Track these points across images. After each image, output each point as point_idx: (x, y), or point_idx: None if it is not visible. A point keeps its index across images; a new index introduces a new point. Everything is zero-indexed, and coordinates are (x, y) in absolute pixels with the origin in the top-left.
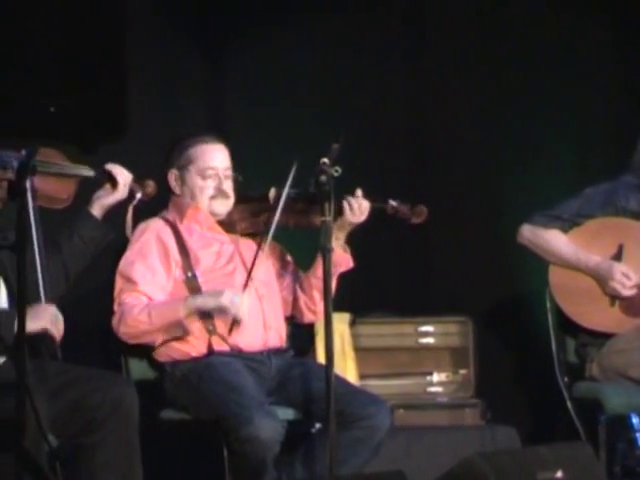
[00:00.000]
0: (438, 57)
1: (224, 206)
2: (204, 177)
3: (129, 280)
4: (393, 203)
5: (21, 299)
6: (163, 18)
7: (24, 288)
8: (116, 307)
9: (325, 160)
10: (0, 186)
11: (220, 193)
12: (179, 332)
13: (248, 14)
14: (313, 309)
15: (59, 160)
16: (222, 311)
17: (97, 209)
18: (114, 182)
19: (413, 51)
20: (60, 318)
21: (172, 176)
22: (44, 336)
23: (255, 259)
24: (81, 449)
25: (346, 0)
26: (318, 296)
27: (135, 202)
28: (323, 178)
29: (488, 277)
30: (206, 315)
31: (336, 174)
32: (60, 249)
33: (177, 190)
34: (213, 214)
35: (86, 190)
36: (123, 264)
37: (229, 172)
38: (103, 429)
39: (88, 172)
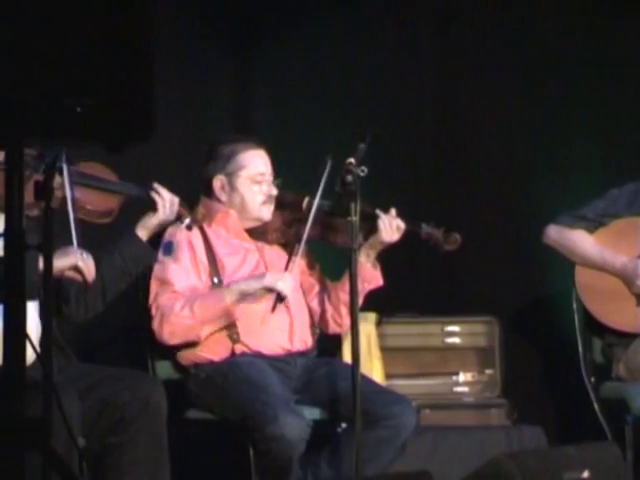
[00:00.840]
0: (466, 60)
1: (270, 212)
2: (255, 182)
3: (164, 282)
4: (427, 229)
5: (47, 299)
6: (190, 17)
7: (51, 288)
8: (154, 311)
9: (351, 160)
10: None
11: (269, 199)
12: (224, 321)
13: (276, 13)
14: (339, 322)
15: (106, 176)
16: (266, 291)
17: (141, 229)
18: (155, 203)
19: (442, 51)
20: (90, 259)
21: (218, 183)
22: (72, 281)
23: (293, 249)
24: (109, 448)
25: (375, 2)
26: (345, 310)
27: (183, 227)
28: (349, 178)
29: (514, 277)
30: (231, 323)
31: (362, 174)
32: (100, 268)
33: (223, 197)
34: (260, 220)
35: (136, 210)
36: (157, 268)
37: (272, 177)
38: (131, 428)
39: (132, 190)
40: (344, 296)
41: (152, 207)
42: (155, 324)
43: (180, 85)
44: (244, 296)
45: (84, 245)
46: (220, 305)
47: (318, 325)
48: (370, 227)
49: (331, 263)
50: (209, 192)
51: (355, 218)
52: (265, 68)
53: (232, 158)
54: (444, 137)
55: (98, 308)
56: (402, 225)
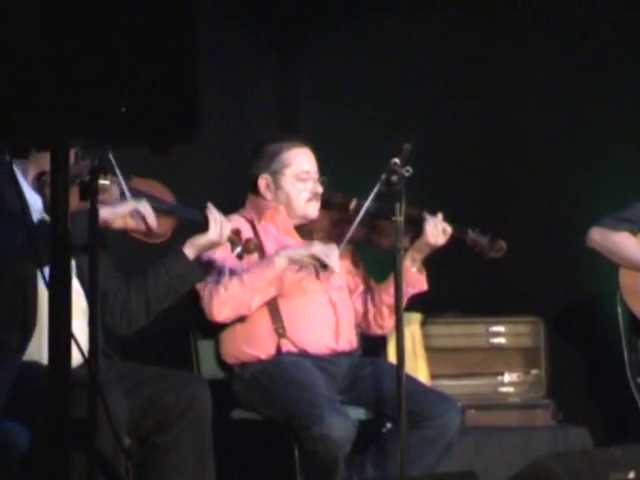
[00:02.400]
0: (510, 62)
1: (316, 210)
2: (300, 180)
3: (211, 265)
4: (473, 235)
5: (93, 299)
6: (235, 18)
7: (96, 289)
8: (201, 289)
9: (396, 160)
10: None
11: (315, 196)
12: (274, 291)
13: (320, 15)
14: (381, 324)
15: (164, 196)
16: (313, 259)
17: (190, 248)
18: (209, 223)
19: (487, 53)
20: (146, 202)
21: (264, 181)
22: (136, 231)
23: (350, 227)
24: (154, 448)
25: (420, 1)
26: (387, 312)
27: (234, 255)
28: (394, 178)
29: (559, 277)
30: (276, 317)
31: (407, 174)
32: (146, 281)
33: (268, 195)
34: (306, 217)
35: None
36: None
37: (317, 175)
38: (176, 428)
39: (187, 214)
40: (387, 298)
41: (204, 227)
42: (204, 301)
43: (225, 85)
44: (293, 262)
45: (132, 263)
46: (270, 270)
47: (359, 325)
48: (416, 231)
49: (376, 265)
50: (256, 190)
51: (400, 218)
52: (310, 68)
53: (276, 157)
54: (489, 139)
55: (142, 322)
56: (448, 229)
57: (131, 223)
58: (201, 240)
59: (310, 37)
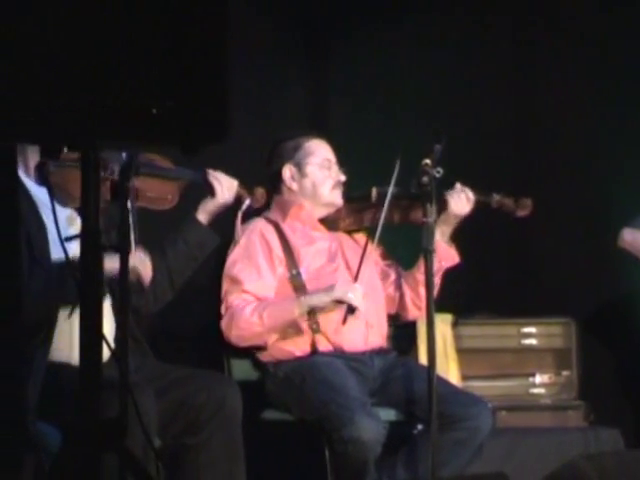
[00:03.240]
0: (545, 54)
1: (341, 197)
2: (324, 168)
3: (235, 281)
4: (497, 197)
5: (124, 299)
6: (266, 18)
7: (127, 289)
8: (224, 310)
9: (427, 161)
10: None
11: (339, 184)
12: (292, 332)
13: (351, 14)
14: (419, 305)
15: (163, 163)
16: (337, 304)
17: (202, 214)
18: (213, 187)
19: (519, 49)
20: (147, 259)
21: (287, 171)
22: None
23: (365, 252)
24: (185, 449)
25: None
26: (424, 292)
27: (244, 208)
28: (425, 179)
29: (591, 278)
30: (310, 313)
31: (438, 175)
32: (165, 254)
33: (293, 186)
34: (332, 205)
35: (195, 197)
36: (228, 265)
37: (337, 166)
38: (207, 429)
39: (189, 175)
40: (422, 277)
41: (210, 192)
42: (224, 324)
43: (254, 85)
44: (314, 309)
45: (144, 236)
46: (288, 317)
47: (397, 312)
48: (441, 205)
49: (407, 248)
50: (278, 188)
51: (431, 219)
52: (339, 67)
53: (298, 148)
54: (520, 138)
55: (167, 297)
56: (472, 196)
57: None
58: (211, 204)
59: (339, 36)
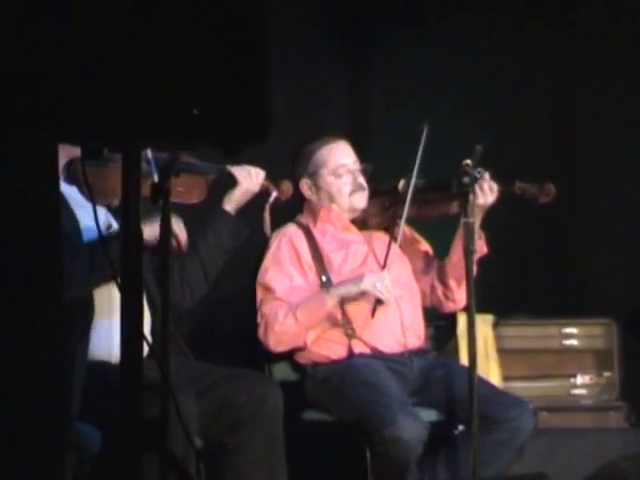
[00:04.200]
0: (584, 53)
1: (363, 199)
2: (338, 176)
3: (267, 289)
4: (520, 184)
5: (165, 302)
6: (307, 21)
7: (168, 292)
8: (259, 319)
9: (468, 162)
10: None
11: (357, 187)
12: (328, 325)
13: (391, 15)
14: (452, 297)
15: (189, 158)
16: (365, 295)
17: (228, 204)
18: (238, 177)
19: (559, 49)
20: (180, 222)
21: (305, 185)
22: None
23: (390, 242)
24: (225, 449)
25: (493, 1)
26: (455, 284)
27: (271, 200)
28: (466, 180)
29: (633, 278)
30: (344, 319)
31: (479, 176)
32: (197, 248)
33: (313, 198)
34: (354, 209)
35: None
36: (261, 273)
37: (357, 165)
38: (248, 429)
39: (214, 169)
40: (452, 269)
41: (235, 182)
42: (260, 333)
43: (297, 88)
44: (344, 299)
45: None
46: (322, 310)
47: (432, 305)
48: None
49: (439, 242)
50: (304, 197)
51: (471, 220)
52: (382, 67)
53: (311, 158)
54: (561, 138)
55: (202, 290)
56: (495, 186)
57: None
58: (236, 193)
59: (382, 37)
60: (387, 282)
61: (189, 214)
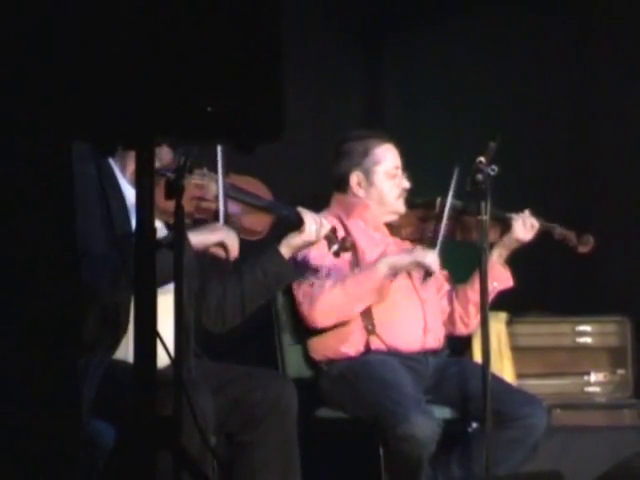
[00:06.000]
0: (604, 60)
1: (404, 205)
2: (392, 177)
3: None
4: (561, 230)
5: (179, 297)
6: (321, 19)
7: (182, 287)
8: (300, 297)
9: (482, 159)
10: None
11: (404, 192)
12: (376, 297)
13: (407, 15)
14: (466, 322)
15: (260, 192)
16: (416, 266)
17: (285, 248)
18: (304, 223)
19: (578, 53)
20: (235, 236)
21: (355, 178)
22: (218, 256)
23: (439, 225)
24: (240, 447)
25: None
26: (473, 310)
27: (330, 253)
28: (479, 177)
29: None
30: (367, 314)
31: (493, 173)
32: (242, 279)
33: (360, 193)
34: (396, 212)
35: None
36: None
37: (403, 171)
38: (262, 427)
39: (282, 210)
40: (473, 295)
41: (298, 227)
42: (304, 309)
43: (311, 86)
44: (395, 269)
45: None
46: (373, 278)
47: (445, 325)
48: (504, 226)
49: (460, 264)
50: (343, 188)
51: (485, 217)
52: (396, 66)
53: (367, 153)
54: (577, 136)
55: (236, 321)
56: (536, 224)
57: (214, 250)
58: (297, 239)
59: (397, 36)
60: (437, 258)
61: (243, 242)
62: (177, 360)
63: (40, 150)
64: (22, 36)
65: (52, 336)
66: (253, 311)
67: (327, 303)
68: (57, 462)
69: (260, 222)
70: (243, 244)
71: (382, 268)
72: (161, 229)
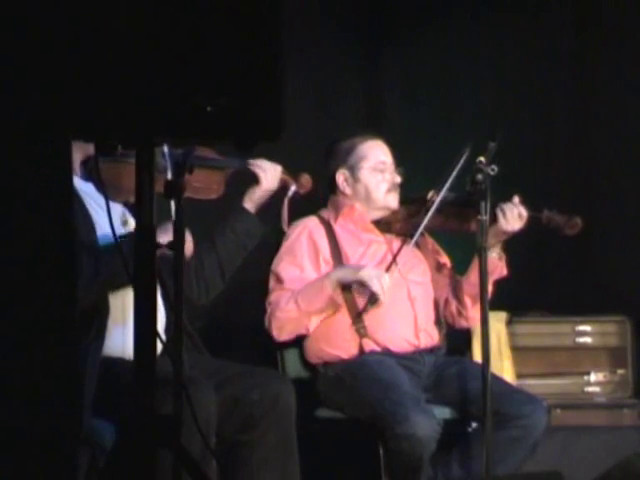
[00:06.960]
0: (605, 58)
1: (396, 200)
2: (378, 172)
3: (278, 279)
4: (548, 213)
5: (178, 297)
6: (321, 18)
7: (181, 287)
8: (267, 307)
9: (482, 159)
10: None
11: (393, 187)
12: (331, 310)
13: (406, 14)
14: (464, 314)
15: (207, 153)
16: (361, 285)
17: (249, 203)
18: (257, 175)
19: (578, 52)
20: (189, 234)
21: (341, 177)
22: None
23: (400, 248)
24: (239, 446)
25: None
26: (470, 302)
27: (290, 195)
28: (479, 177)
29: None
30: (356, 317)
31: (492, 173)
32: (215, 246)
33: (347, 190)
34: (387, 208)
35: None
36: (275, 262)
37: (393, 166)
38: (261, 426)
39: (233, 164)
40: (468, 288)
41: (255, 179)
42: (266, 321)
43: (311, 85)
44: (342, 284)
45: (194, 224)
46: (322, 294)
47: (445, 319)
48: (492, 218)
49: (458, 257)
50: (333, 189)
51: (485, 217)
52: (396, 65)
53: (352, 151)
54: (578, 134)
55: (218, 287)
56: (524, 213)
57: (164, 251)
58: (257, 192)
59: (396, 36)
60: (385, 282)
61: (207, 210)
62: (177, 360)
63: (40, 150)
64: (22, 36)
65: (52, 335)
66: (232, 274)
67: (281, 319)
68: (57, 461)
69: (214, 180)
70: (206, 207)
71: (328, 284)
72: (122, 210)
